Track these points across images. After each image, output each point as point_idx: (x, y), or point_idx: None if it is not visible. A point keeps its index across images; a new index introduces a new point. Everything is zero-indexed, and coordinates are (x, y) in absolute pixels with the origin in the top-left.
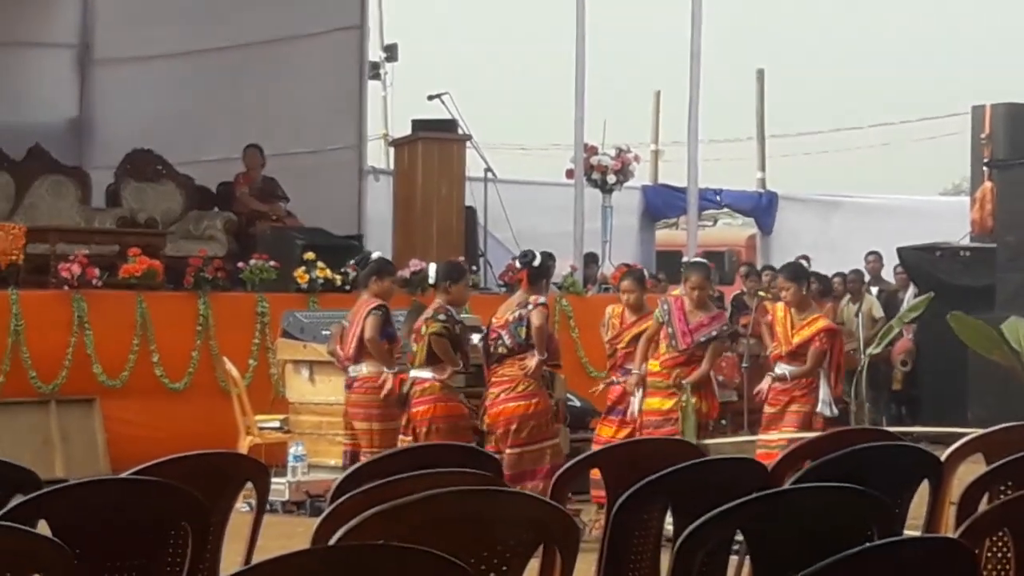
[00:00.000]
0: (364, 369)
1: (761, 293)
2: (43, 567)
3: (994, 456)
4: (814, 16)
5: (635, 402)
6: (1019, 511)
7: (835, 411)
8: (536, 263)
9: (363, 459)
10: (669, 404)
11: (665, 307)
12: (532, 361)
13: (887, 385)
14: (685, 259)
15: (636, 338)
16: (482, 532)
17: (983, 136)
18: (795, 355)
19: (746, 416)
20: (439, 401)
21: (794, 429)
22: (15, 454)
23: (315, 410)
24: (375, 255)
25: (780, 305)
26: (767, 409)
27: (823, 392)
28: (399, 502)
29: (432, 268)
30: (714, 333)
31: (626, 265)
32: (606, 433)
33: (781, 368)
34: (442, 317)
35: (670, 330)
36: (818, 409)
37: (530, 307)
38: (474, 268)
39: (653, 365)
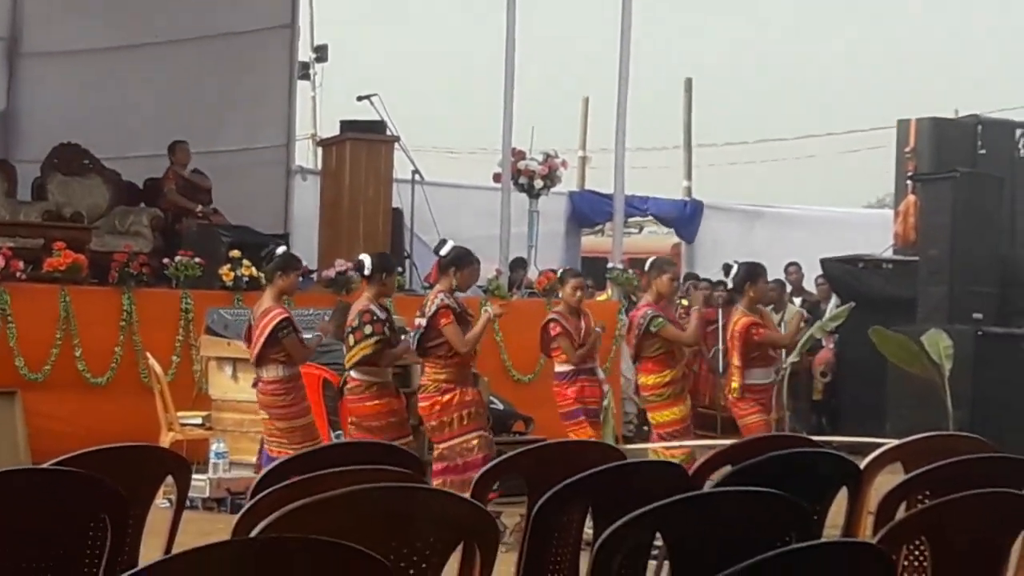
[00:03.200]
0: (265, 373)
1: (679, 300)
2: None
3: (912, 465)
4: (742, 27)
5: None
6: (937, 519)
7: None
8: (443, 251)
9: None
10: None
11: (660, 316)
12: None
13: (807, 395)
14: (613, 266)
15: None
16: (401, 529)
17: (907, 150)
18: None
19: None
20: (370, 399)
21: None
22: None
23: (238, 407)
24: (280, 250)
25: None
26: (756, 418)
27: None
28: (318, 497)
29: (367, 259)
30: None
31: (552, 271)
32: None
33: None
34: (368, 331)
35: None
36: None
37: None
38: (399, 270)
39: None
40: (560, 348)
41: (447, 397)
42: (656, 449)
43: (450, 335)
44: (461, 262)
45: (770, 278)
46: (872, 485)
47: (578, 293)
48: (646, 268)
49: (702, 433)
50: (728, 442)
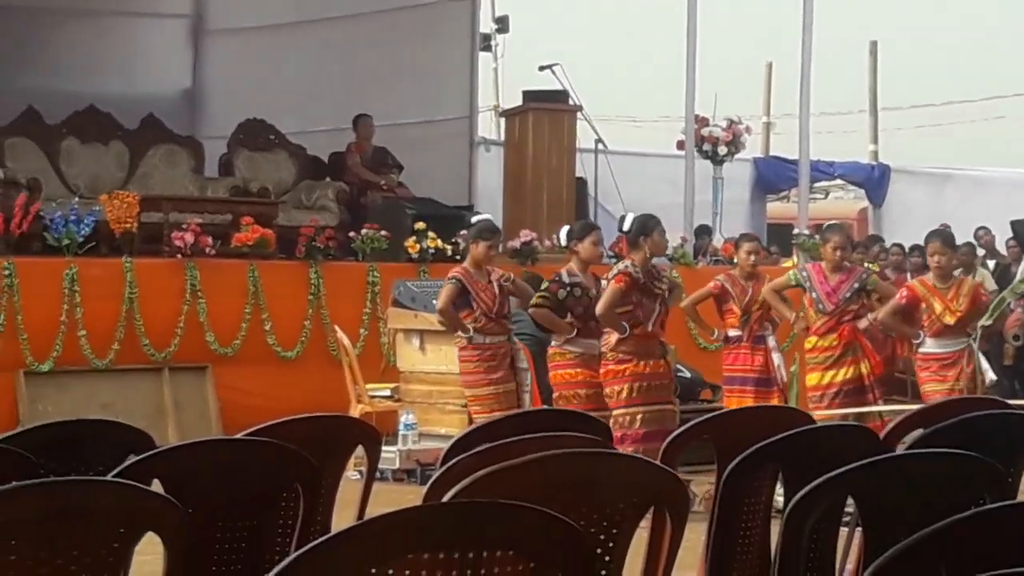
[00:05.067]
0: (458, 339)
1: (870, 265)
2: (156, 524)
3: None
4: None
5: (779, 367)
6: None
7: (993, 377)
8: (626, 226)
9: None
10: (828, 377)
11: (804, 273)
12: (612, 337)
13: (999, 360)
14: (799, 231)
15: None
16: (591, 495)
17: None
18: (960, 323)
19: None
20: (558, 368)
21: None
22: (129, 421)
23: (425, 379)
24: (475, 218)
25: (916, 281)
26: (931, 387)
27: (983, 359)
28: (506, 464)
29: (563, 231)
30: (856, 286)
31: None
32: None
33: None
34: (544, 287)
35: (814, 295)
36: (991, 377)
37: (604, 282)
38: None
39: (810, 342)
40: (728, 311)
41: (622, 367)
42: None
43: (606, 295)
44: (647, 228)
45: (960, 241)
46: None
47: (752, 257)
48: (822, 229)
49: (897, 399)
50: (915, 407)
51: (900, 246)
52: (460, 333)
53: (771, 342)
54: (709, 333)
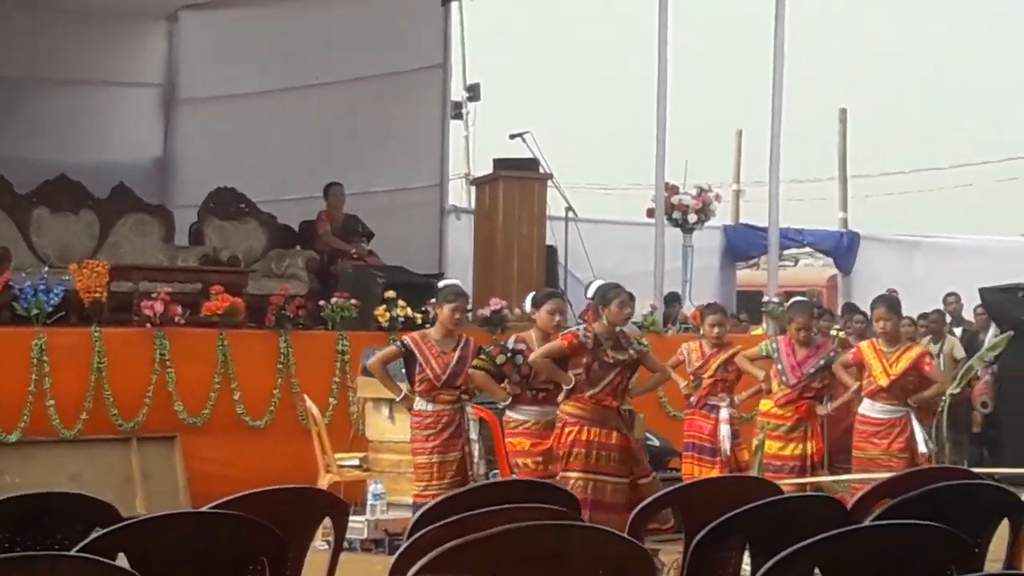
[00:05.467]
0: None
1: (836, 332)
2: None
3: None
4: (895, 56)
5: (724, 438)
6: None
7: (933, 447)
8: (590, 293)
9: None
10: (787, 448)
11: (774, 344)
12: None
13: (967, 427)
14: (768, 299)
15: (722, 366)
16: (558, 568)
17: None
18: (894, 387)
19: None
20: (508, 436)
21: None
22: (97, 491)
23: (394, 448)
24: (442, 283)
25: (866, 343)
26: (862, 452)
27: (919, 429)
28: (473, 537)
29: (528, 299)
30: (821, 363)
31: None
32: (687, 470)
33: (876, 406)
34: (489, 349)
35: (779, 367)
36: (921, 449)
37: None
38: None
39: (766, 405)
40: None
41: (566, 431)
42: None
43: (545, 345)
44: (606, 298)
45: (930, 308)
46: None
47: (716, 329)
48: (787, 306)
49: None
50: (885, 476)
51: (864, 314)
52: (396, 398)
53: (723, 413)
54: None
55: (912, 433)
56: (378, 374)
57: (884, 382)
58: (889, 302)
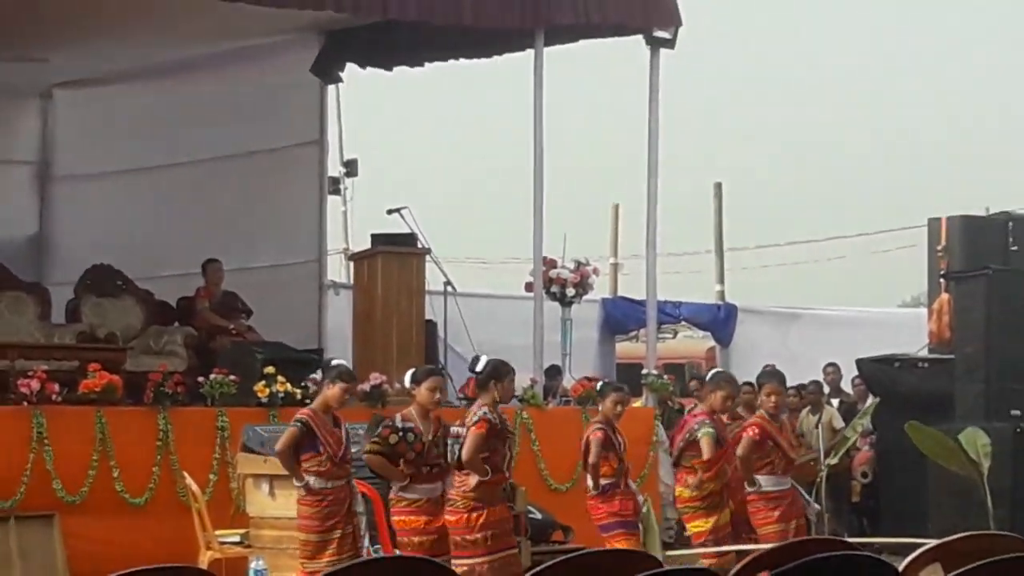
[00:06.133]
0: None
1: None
2: None
3: (952, 565)
4: (771, 131)
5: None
6: None
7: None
8: (478, 368)
9: None
10: (715, 521)
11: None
12: (471, 480)
13: (847, 496)
14: (648, 372)
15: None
16: None
17: (939, 248)
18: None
19: None
20: (397, 514)
21: None
22: None
23: (275, 524)
24: (334, 362)
25: (759, 418)
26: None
27: (802, 492)
28: None
29: (408, 375)
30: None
31: (587, 379)
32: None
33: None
34: (377, 432)
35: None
36: (816, 507)
37: (464, 430)
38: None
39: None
40: (606, 459)
41: (475, 515)
42: (701, 555)
43: (469, 441)
44: (500, 374)
45: (807, 380)
46: None
47: (619, 407)
48: (707, 378)
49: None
50: (766, 547)
51: (752, 384)
52: (295, 482)
53: (633, 486)
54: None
55: (803, 497)
56: (286, 463)
57: (794, 456)
58: (780, 377)
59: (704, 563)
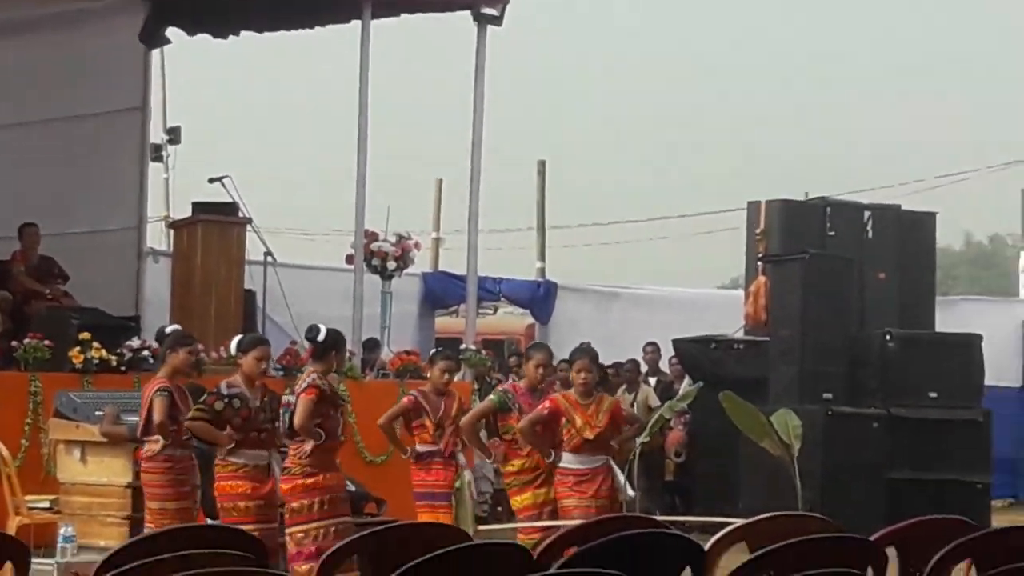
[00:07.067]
0: (150, 448)
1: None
2: None
3: (757, 545)
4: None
5: (469, 483)
6: None
7: (633, 493)
8: (320, 337)
9: None
10: (542, 496)
11: (509, 395)
12: (306, 445)
13: (660, 475)
14: (466, 347)
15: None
16: None
17: (758, 231)
18: (599, 439)
19: None
20: (222, 479)
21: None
22: None
23: (86, 491)
24: (170, 328)
25: (559, 395)
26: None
27: (620, 475)
28: None
29: (234, 342)
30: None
31: (406, 352)
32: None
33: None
34: (203, 399)
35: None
36: (629, 494)
37: (294, 397)
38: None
39: (514, 464)
40: (418, 425)
41: (310, 481)
42: (519, 530)
43: (300, 408)
44: (339, 344)
45: (625, 359)
46: (717, 565)
47: (446, 376)
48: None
49: None
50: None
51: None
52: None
53: (461, 459)
54: (403, 451)
55: (615, 479)
56: (164, 431)
57: (591, 435)
58: (592, 355)
59: (521, 539)
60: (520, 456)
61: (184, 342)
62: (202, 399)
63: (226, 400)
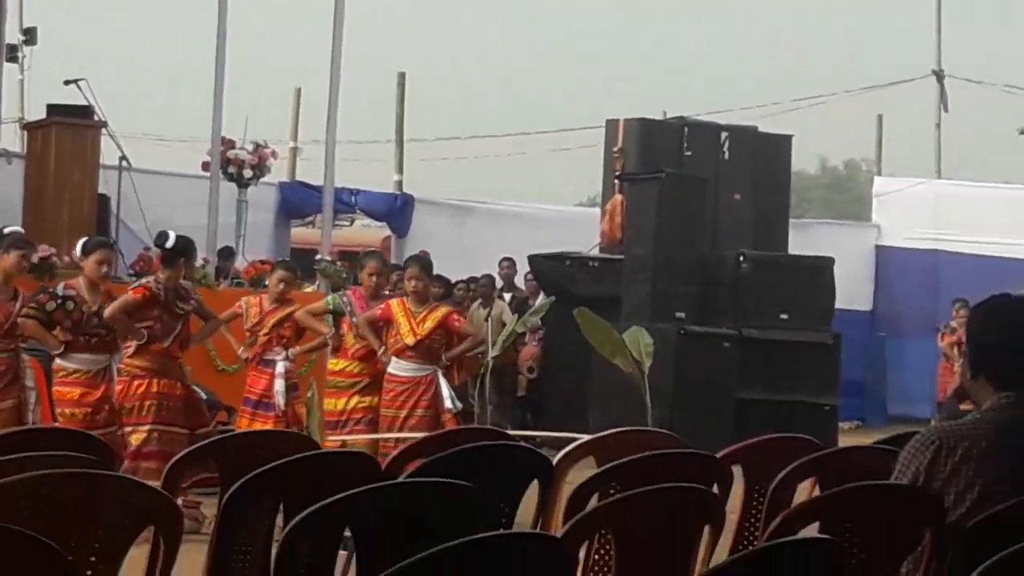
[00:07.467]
0: None
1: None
2: None
3: (605, 460)
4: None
5: (279, 392)
6: (621, 512)
7: (459, 405)
8: (168, 244)
9: None
10: (352, 403)
11: (345, 299)
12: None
13: (512, 390)
14: (321, 257)
15: (279, 323)
16: (81, 515)
17: (615, 149)
18: (420, 346)
19: None
20: (57, 384)
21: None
22: None
23: None
24: (9, 229)
25: (395, 300)
26: (391, 412)
27: (445, 387)
28: None
29: (79, 245)
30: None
31: (261, 261)
32: (243, 424)
33: (403, 364)
34: (38, 297)
35: (354, 320)
36: (447, 406)
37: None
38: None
39: (335, 364)
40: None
41: (136, 384)
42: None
43: (116, 302)
44: (188, 251)
45: (480, 273)
46: (565, 479)
47: (281, 285)
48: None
49: None
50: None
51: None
52: None
53: (279, 368)
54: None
55: (438, 390)
56: (35, 331)
57: (411, 341)
58: (422, 263)
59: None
60: (347, 357)
61: (17, 245)
62: (35, 297)
63: (59, 301)
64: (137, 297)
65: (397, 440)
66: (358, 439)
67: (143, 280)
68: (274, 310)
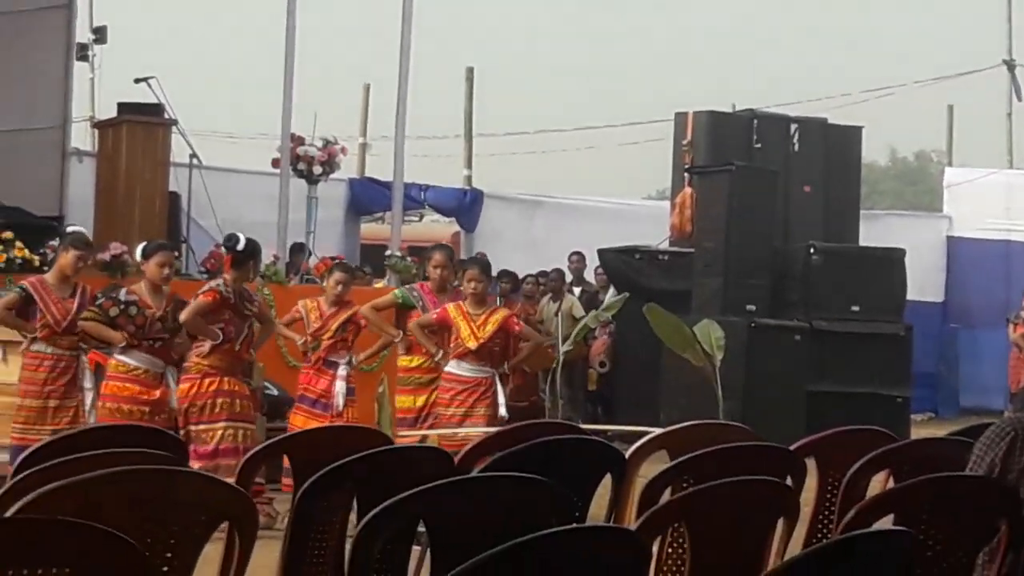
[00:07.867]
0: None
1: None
2: None
3: (678, 453)
4: (525, 17)
5: (339, 394)
6: (695, 505)
7: (507, 415)
8: (239, 247)
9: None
10: (422, 400)
11: (415, 293)
12: (205, 346)
13: (583, 385)
14: (391, 253)
15: (343, 326)
16: (156, 511)
17: (685, 143)
18: (482, 350)
19: None
20: (111, 379)
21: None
22: None
23: (6, 390)
24: (70, 228)
25: (452, 304)
26: (448, 411)
27: (501, 394)
28: (72, 480)
29: (140, 248)
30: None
31: (331, 258)
32: (298, 422)
33: (464, 365)
34: (100, 303)
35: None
36: (501, 412)
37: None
38: (176, 255)
39: (409, 361)
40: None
41: (207, 381)
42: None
43: (190, 305)
44: (257, 253)
45: (550, 268)
46: (637, 472)
47: (339, 288)
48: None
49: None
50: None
51: (513, 275)
52: (25, 335)
53: (341, 370)
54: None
55: (495, 395)
56: (9, 322)
57: (473, 345)
58: (482, 264)
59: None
60: (421, 354)
61: (77, 245)
62: (98, 302)
63: (122, 306)
64: (208, 300)
65: (466, 436)
66: (439, 433)
67: (212, 284)
68: (335, 313)
